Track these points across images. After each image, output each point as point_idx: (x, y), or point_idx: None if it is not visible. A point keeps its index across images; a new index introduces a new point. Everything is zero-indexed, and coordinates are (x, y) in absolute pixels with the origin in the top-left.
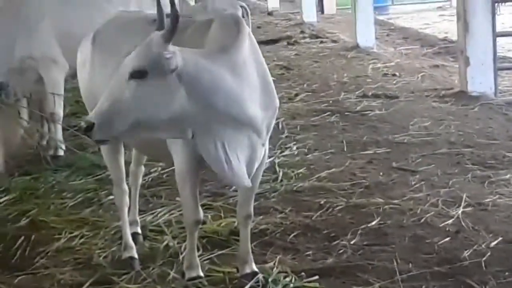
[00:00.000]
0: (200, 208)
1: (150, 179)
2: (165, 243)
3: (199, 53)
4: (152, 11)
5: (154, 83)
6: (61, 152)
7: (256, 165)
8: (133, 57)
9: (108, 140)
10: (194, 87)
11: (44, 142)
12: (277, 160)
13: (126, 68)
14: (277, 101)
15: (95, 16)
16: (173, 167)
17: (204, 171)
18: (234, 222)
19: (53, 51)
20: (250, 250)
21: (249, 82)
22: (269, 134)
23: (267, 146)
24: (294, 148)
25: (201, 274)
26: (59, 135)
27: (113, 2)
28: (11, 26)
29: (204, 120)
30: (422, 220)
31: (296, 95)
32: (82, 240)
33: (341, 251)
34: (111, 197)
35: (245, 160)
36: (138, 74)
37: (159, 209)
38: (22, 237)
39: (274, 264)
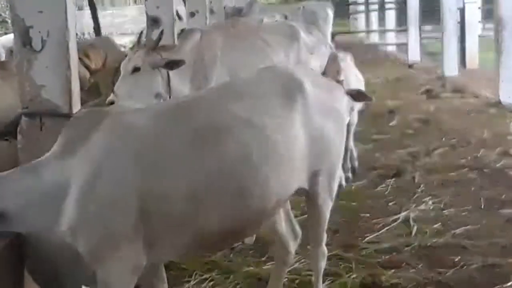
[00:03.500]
0: None
1: None
2: None
3: None
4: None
5: None
6: None
7: None
8: None
9: None
10: None
11: None
12: (411, 215)
13: None
14: None
15: (256, 61)
16: None
17: None
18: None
19: None
20: None
21: None
22: None
23: None
24: (430, 203)
25: None
26: None
27: (273, 47)
28: (189, 70)
29: None
30: None
31: (434, 149)
32: (212, 283)
33: None
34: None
35: None
36: None
37: None
38: None
39: None
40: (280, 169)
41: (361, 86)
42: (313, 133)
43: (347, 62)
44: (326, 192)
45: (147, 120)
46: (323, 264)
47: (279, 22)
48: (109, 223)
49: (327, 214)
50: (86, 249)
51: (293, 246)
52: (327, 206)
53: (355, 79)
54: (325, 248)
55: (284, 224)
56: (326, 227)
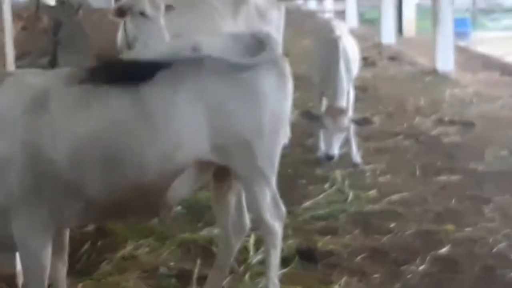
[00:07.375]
0: None
1: None
2: None
3: None
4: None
5: None
6: None
7: None
8: None
9: None
10: None
11: None
12: (347, 181)
13: None
14: None
15: (203, 27)
16: None
17: None
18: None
19: None
20: None
21: None
22: None
23: None
24: (366, 170)
25: None
26: None
27: (221, 12)
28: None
29: None
30: (494, 250)
31: (371, 116)
32: (147, 249)
33: (409, 276)
34: (179, 207)
35: None
36: None
37: None
38: (89, 242)
39: (340, 285)
40: (156, 139)
41: (357, 55)
42: (210, 103)
43: (342, 30)
44: (248, 170)
45: (44, 81)
46: (272, 251)
47: None
48: (8, 181)
49: (257, 194)
50: None
51: (235, 242)
52: (256, 184)
53: (351, 48)
54: (273, 230)
55: (233, 211)
56: (262, 208)
